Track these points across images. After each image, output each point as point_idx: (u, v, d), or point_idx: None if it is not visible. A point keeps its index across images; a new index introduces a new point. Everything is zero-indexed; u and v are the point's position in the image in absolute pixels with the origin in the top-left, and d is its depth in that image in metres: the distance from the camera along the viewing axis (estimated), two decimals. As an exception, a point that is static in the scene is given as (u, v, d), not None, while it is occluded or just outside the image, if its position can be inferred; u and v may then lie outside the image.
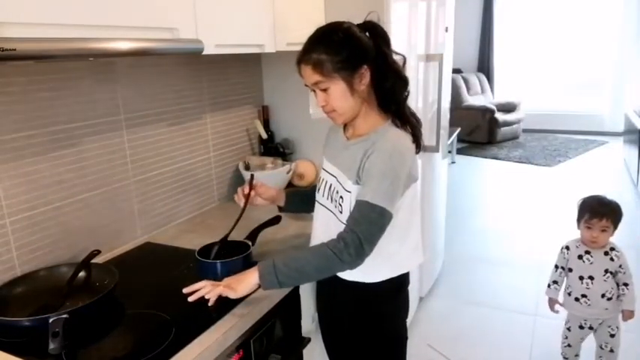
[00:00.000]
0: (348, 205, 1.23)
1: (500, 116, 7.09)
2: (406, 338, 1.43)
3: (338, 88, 1.19)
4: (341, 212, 1.26)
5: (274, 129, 2.28)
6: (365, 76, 1.20)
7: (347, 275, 1.27)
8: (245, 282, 1.17)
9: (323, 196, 1.34)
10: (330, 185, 1.32)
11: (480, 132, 7.12)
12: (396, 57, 1.27)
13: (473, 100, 7.38)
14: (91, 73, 1.45)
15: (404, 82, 1.26)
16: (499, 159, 6.38)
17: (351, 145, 1.28)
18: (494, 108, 7.07)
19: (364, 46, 1.20)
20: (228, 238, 1.41)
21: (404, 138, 1.23)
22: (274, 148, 2.21)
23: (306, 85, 1.25)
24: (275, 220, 1.53)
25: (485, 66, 8.03)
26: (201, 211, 1.94)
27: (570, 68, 7.72)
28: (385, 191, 1.15)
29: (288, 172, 2.05)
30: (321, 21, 1.97)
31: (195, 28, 1.32)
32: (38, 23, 0.94)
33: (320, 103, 1.24)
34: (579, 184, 5.27)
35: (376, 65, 1.22)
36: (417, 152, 1.27)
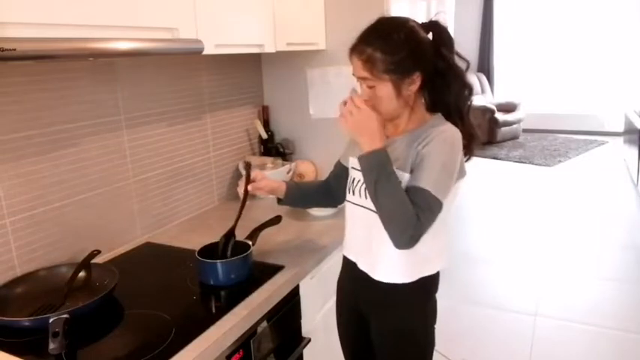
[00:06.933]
0: None
1: (500, 116, 7.09)
2: (433, 346, 1.31)
3: (384, 89, 1.12)
4: None
5: (274, 129, 2.28)
6: (415, 83, 1.14)
7: (377, 275, 1.22)
8: (368, 133, 1.09)
9: (360, 197, 1.24)
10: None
11: (479, 132, 7.10)
12: (458, 61, 1.19)
13: (473, 100, 7.36)
14: (91, 73, 1.45)
15: (469, 89, 1.20)
16: (499, 159, 6.38)
17: (396, 141, 1.19)
18: (494, 108, 7.07)
19: (423, 51, 1.13)
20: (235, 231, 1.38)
21: (458, 131, 1.17)
22: (274, 148, 2.21)
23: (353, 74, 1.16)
24: (275, 220, 1.53)
25: (485, 66, 8.03)
26: (201, 211, 1.94)
27: (570, 68, 7.71)
28: (444, 184, 1.11)
29: (288, 172, 2.05)
30: (321, 21, 1.98)
31: (195, 28, 1.32)
32: (38, 23, 0.94)
33: (363, 97, 1.15)
34: (579, 184, 5.28)
35: (435, 70, 1.16)
36: (467, 160, 1.23)
